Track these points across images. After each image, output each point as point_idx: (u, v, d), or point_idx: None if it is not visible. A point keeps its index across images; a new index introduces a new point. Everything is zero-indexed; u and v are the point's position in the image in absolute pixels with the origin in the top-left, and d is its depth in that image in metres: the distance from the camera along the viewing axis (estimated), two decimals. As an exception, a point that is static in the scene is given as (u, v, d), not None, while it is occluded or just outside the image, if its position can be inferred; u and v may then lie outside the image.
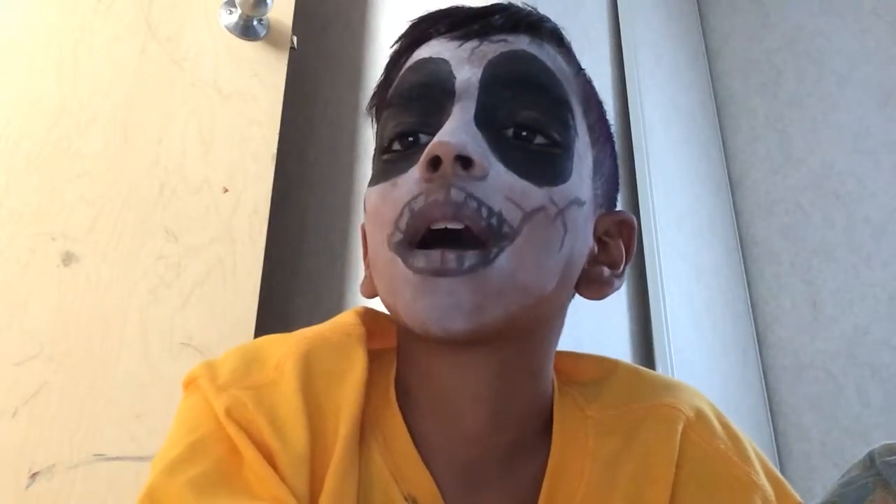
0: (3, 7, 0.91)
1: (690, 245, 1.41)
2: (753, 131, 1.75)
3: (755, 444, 0.48)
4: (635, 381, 0.50)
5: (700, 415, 0.47)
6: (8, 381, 0.77)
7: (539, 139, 0.43)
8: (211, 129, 0.99)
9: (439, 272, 0.39)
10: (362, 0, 1.25)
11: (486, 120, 0.42)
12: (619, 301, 1.16)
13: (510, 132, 0.43)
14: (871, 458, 0.55)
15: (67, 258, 0.84)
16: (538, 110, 0.43)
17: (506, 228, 0.40)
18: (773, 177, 1.69)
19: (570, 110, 0.45)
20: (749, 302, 1.61)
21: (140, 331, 0.85)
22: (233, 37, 1.05)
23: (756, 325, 1.60)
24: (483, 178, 0.40)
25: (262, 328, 0.94)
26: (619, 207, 0.52)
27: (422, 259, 0.40)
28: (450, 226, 0.40)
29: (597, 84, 0.51)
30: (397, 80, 0.47)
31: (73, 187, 0.87)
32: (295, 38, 1.10)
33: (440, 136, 0.40)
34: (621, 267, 0.48)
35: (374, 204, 0.44)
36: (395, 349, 0.49)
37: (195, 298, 0.90)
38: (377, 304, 0.47)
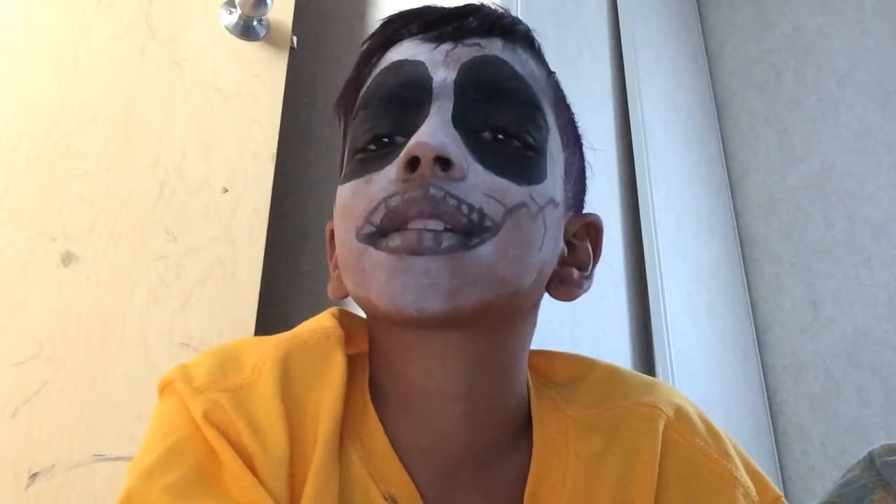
0: (3, 7, 0.90)
1: (690, 245, 1.41)
2: (753, 131, 1.75)
3: (735, 441, 0.49)
4: (613, 381, 0.50)
5: (680, 413, 0.48)
6: (8, 381, 0.77)
7: (515, 142, 0.43)
8: (211, 129, 0.99)
9: (415, 251, 0.39)
10: (362, 0, 1.25)
11: (462, 121, 0.43)
12: (618, 301, 1.16)
13: (487, 134, 0.43)
14: (871, 458, 0.55)
15: (67, 258, 0.84)
16: (513, 114, 0.44)
17: (487, 222, 0.40)
18: (773, 177, 1.69)
19: (543, 113, 0.46)
20: (749, 302, 1.61)
21: (140, 331, 0.85)
22: (233, 37, 1.05)
23: (756, 325, 1.60)
24: (461, 179, 0.40)
25: (262, 328, 0.94)
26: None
27: (397, 238, 0.39)
28: (429, 225, 0.39)
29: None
30: (371, 80, 0.47)
31: (73, 187, 0.87)
32: (295, 38, 1.10)
33: (419, 136, 0.40)
34: (589, 269, 0.49)
35: (344, 199, 0.44)
36: (368, 352, 0.48)
37: (195, 298, 0.90)
38: (350, 307, 0.47)
